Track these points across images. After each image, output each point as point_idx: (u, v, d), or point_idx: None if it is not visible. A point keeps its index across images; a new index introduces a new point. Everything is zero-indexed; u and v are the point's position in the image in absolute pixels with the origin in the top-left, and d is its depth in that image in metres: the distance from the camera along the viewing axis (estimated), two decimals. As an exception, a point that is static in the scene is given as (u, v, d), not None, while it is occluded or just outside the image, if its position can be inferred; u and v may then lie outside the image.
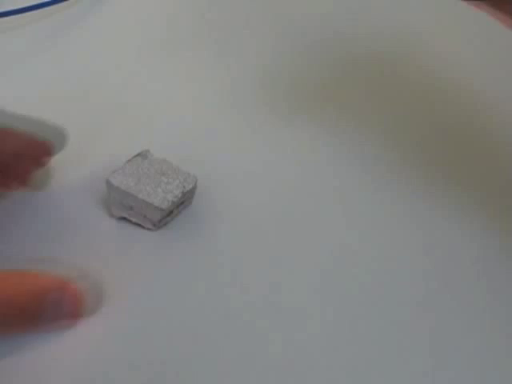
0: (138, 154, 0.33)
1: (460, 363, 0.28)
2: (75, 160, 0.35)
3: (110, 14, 0.43)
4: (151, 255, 0.31)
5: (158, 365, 0.26)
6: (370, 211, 0.34)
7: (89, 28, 0.43)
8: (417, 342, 0.28)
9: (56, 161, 0.35)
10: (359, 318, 0.29)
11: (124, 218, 0.32)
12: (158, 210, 0.31)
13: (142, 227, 0.32)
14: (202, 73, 0.41)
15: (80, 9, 0.45)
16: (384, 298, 0.30)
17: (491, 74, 0.44)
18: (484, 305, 0.30)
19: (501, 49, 0.46)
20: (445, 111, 0.40)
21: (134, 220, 0.32)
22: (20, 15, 0.42)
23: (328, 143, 0.37)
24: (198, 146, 0.36)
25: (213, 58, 0.42)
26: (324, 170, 0.36)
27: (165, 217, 0.31)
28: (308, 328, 0.28)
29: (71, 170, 0.34)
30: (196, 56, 0.41)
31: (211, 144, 0.36)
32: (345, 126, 0.38)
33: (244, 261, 0.31)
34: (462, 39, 0.47)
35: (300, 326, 0.29)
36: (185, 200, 0.32)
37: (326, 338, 0.28)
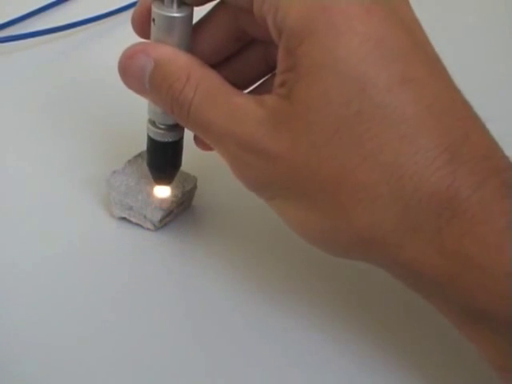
0: (138, 154, 0.33)
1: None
2: (75, 160, 0.35)
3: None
4: (151, 255, 0.31)
5: (158, 365, 0.26)
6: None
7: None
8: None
9: (57, 161, 0.35)
10: (358, 318, 0.29)
11: (124, 218, 0.32)
12: (157, 210, 0.31)
13: (142, 227, 0.32)
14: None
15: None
16: (384, 298, 0.30)
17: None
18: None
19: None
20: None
21: (134, 220, 0.32)
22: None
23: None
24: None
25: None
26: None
27: (165, 217, 0.31)
28: (307, 328, 0.28)
29: (71, 170, 0.34)
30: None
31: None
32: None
33: (244, 261, 0.31)
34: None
35: (300, 325, 0.29)
36: (184, 200, 0.32)
37: (325, 337, 0.28)
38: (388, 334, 0.28)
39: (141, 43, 0.26)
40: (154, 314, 0.28)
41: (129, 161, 0.33)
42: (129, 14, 0.28)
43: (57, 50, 0.43)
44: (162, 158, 0.30)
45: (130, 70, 0.26)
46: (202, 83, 0.25)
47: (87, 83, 0.40)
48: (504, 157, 0.22)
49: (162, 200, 0.31)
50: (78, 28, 0.44)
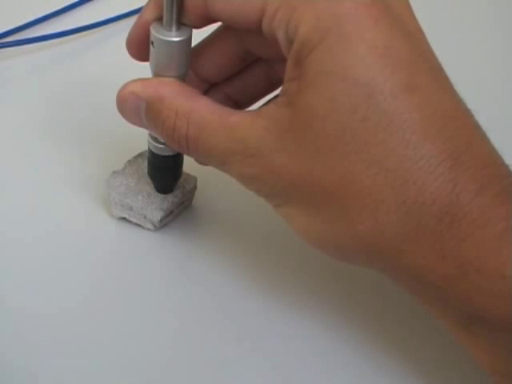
0: (138, 154, 0.33)
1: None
2: (75, 160, 0.35)
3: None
4: (151, 255, 0.31)
5: (157, 365, 0.27)
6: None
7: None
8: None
9: (57, 161, 0.35)
10: (359, 318, 0.29)
11: (124, 218, 0.32)
12: (157, 210, 0.31)
13: (142, 227, 0.32)
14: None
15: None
16: (384, 296, 0.30)
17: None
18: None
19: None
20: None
21: (134, 220, 0.32)
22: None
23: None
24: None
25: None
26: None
27: (164, 217, 0.31)
28: (307, 328, 0.29)
29: (71, 170, 0.34)
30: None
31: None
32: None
33: (244, 261, 0.31)
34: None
35: (300, 325, 0.29)
36: (184, 200, 0.32)
37: (325, 338, 0.28)
38: (389, 334, 0.29)
39: (129, 83, 0.27)
40: (155, 314, 0.29)
41: (129, 161, 0.33)
42: (129, 21, 0.28)
43: (59, 53, 0.43)
44: (163, 171, 0.31)
45: (126, 112, 0.27)
46: (192, 115, 0.25)
47: (87, 84, 0.40)
48: (504, 165, 0.23)
49: (162, 200, 0.31)
50: (81, 33, 0.45)
